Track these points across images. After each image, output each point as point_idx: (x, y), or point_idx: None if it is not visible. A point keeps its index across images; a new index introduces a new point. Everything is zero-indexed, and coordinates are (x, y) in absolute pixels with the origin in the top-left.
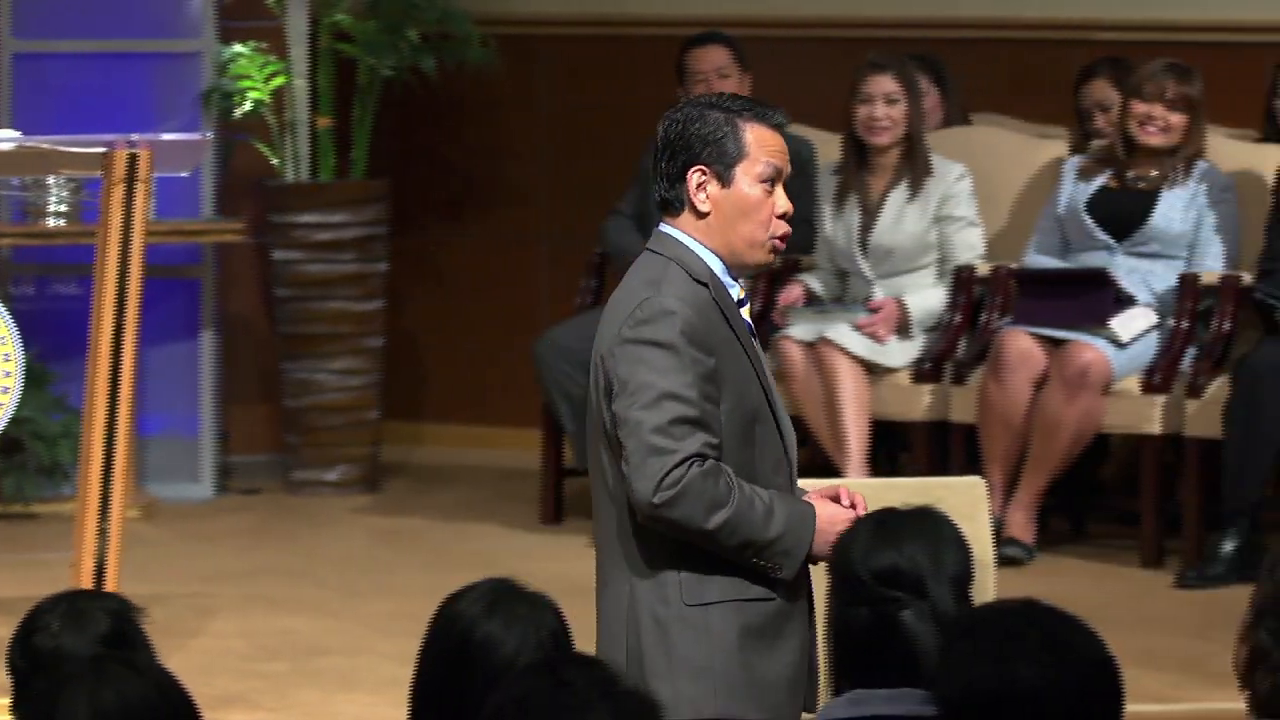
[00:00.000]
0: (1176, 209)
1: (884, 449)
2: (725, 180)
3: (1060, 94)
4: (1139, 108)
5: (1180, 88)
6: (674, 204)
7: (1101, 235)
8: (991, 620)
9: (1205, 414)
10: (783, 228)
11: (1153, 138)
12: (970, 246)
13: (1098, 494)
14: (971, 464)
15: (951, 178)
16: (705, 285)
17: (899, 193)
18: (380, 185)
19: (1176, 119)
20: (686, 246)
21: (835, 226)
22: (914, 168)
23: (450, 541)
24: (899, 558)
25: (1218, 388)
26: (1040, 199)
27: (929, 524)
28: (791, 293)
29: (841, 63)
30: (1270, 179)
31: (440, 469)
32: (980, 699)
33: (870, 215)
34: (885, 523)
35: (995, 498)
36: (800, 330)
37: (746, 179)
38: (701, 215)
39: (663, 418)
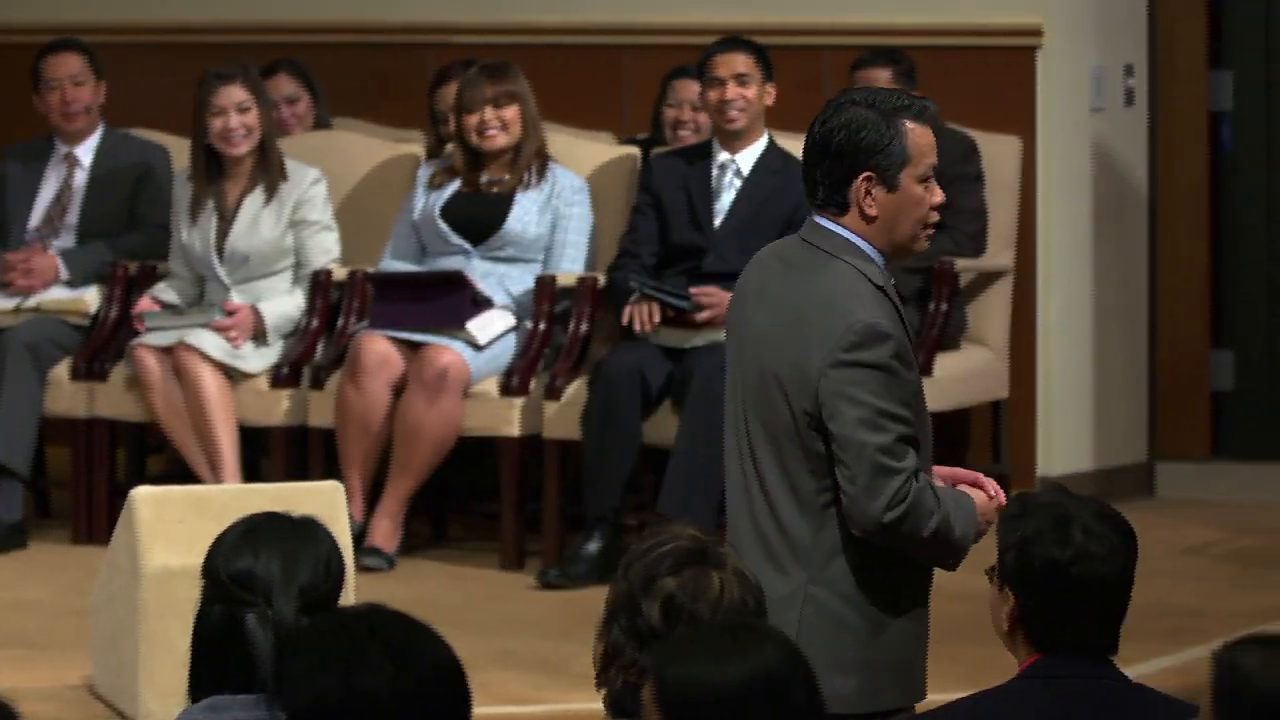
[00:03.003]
0: (531, 212)
1: (244, 454)
2: (892, 185)
3: (419, 97)
4: (470, 120)
5: (499, 85)
6: (838, 205)
7: (457, 240)
8: (333, 629)
9: (564, 416)
10: (935, 216)
11: (494, 140)
12: (325, 251)
13: (458, 497)
14: (331, 468)
15: (306, 182)
16: (883, 290)
17: (254, 198)
18: None
19: (510, 114)
20: (858, 247)
21: (192, 233)
22: (268, 173)
23: None
24: (254, 563)
25: (576, 389)
26: (398, 203)
27: (298, 533)
28: (143, 304)
29: (196, 68)
30: (627, 178)
31: None
32: (324, 708)
33: (227, 221)
34: (257, 527)
35: (355, 502)
36: (157, 337)
37: (910, 181)
38: (869, 219)
39: (886, 438)
